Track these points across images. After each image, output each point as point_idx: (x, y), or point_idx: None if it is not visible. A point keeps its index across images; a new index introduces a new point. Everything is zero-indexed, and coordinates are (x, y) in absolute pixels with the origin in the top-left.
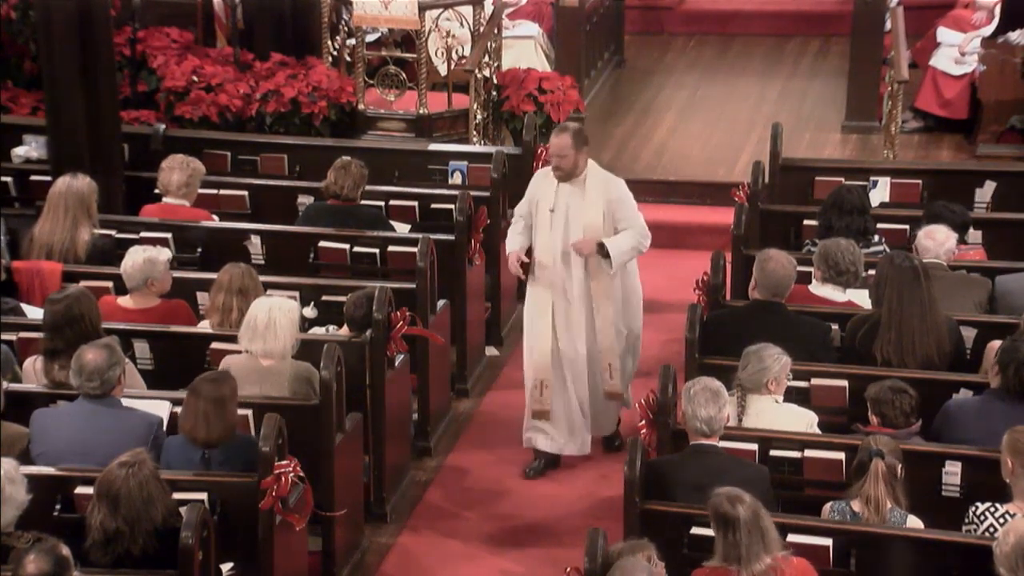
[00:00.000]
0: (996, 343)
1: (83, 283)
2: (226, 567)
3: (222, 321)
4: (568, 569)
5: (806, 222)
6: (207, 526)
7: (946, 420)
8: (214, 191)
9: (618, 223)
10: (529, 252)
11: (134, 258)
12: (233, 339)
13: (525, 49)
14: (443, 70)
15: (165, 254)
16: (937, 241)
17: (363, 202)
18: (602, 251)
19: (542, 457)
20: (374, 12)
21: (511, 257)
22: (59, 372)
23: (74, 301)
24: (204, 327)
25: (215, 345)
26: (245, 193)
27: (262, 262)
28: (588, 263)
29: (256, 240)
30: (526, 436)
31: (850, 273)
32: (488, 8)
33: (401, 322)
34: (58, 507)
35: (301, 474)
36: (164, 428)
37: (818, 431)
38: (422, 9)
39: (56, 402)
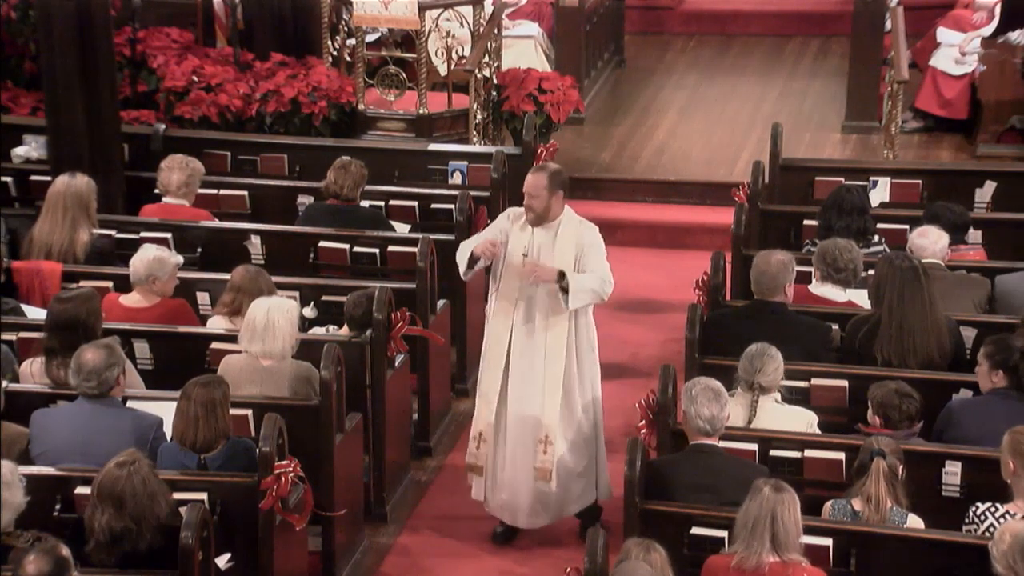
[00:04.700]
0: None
1: (83, 283)
2: (223, 558)
3: (231, 306)
4: (568, 569)
5: (806, 222)
6: (207, 526)
7: (949, 420)
8: (214, 191)
9: (583, 268)
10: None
11: (145, 254)
12: (233, 339)
13: (525, 49)
14: (443, 70)
15: (175, 258)
16: (931, 240)
17: (363, 202)
18: (562, 284)
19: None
20: (374, 12)
21: (480, 245)
22: (57, 370)
23: (82, 303)
24: (214, 324)
25: (215, 345)
26: (245, 193)
27: (262, 262)
28: (547, 315)
29: (256, 240)
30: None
31: (848, 271)
32: (488, 8)
33: (401, 322)
34: (58, 507)
35: (301, 474)
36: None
37: (818, 431)
38: (422, 9)
39: (56, 402)
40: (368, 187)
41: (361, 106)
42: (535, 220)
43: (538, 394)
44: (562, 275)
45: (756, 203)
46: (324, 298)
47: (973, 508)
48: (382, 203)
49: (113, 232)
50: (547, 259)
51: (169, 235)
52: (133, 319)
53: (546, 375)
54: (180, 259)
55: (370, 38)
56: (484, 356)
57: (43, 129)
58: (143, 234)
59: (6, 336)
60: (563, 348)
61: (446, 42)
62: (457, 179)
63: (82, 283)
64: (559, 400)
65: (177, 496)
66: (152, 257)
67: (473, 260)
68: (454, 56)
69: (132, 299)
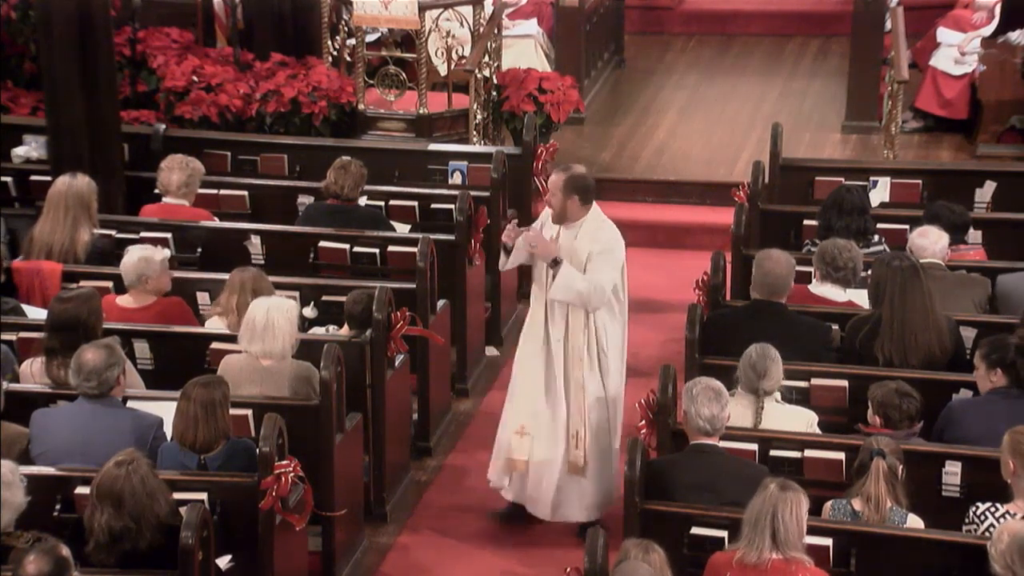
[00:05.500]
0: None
1: (83, 283)
2: (224, 559)
3: (223, 306)
4: (568, 569)
5: (806, 222)
6: (207, 526)
7: (949, 420)
8: (214, 191)
9: (586, 272)
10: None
11: (131, 256)
12: (233, 339)
13: (525, 49)
14: (443, 70)
15: (161, 253)
16: (931, 240)
17: (363, 202)
18: (553, 271)
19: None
20: (374, 12)
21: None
22: (57, 370)
23: (82, 303)
24: (213, 324)
25: (215, 345)
26: (245, 193)
27: (262, 262)
28: (568, 313)
29: (256, 240)
30: (493, 478)
31: (848, 269)
32: (488, 8)
33: (401, 322)
34: (58, 507)
35: (301, 474)
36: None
37: (818, 431)
38: (422, 9)
39: (56, 402)
40: (368, 187)
41: (361, 106)
42: (556, 218)
43: (562, 390)
44: (556, 262)
45: (756, 203)
46: (324, 298)
47: (973, 508)
48: (382, 203)
49: (113, 232)
50: (566, 259)
51: (169, 235)
52: (130, 321)
53: (570, 377)
54: (167, 252)
55: (370, 38)
56: (519, 353)
57: (43, 129)
58: (143, 234)
59: (6, 336)
60: (583, 345)
61: (446, 42)
62: (457, 179)
63: (82, 283)
64: (582, 396)
65: (177, 496)
66: (138, 258)
67: (507, 250)
68: (454, 56)
69: (128, 300)
